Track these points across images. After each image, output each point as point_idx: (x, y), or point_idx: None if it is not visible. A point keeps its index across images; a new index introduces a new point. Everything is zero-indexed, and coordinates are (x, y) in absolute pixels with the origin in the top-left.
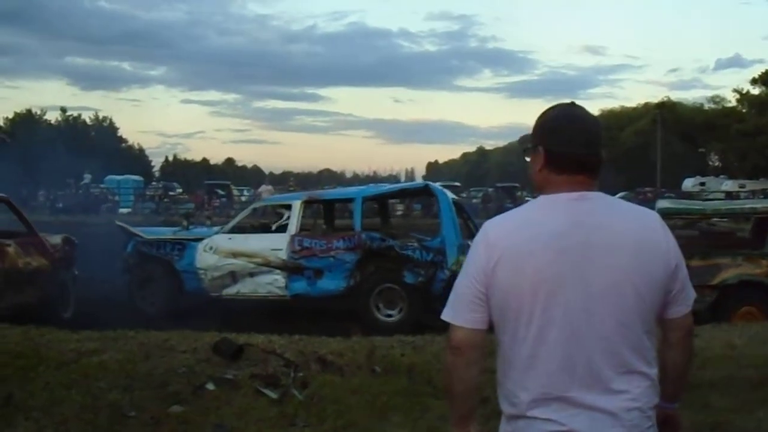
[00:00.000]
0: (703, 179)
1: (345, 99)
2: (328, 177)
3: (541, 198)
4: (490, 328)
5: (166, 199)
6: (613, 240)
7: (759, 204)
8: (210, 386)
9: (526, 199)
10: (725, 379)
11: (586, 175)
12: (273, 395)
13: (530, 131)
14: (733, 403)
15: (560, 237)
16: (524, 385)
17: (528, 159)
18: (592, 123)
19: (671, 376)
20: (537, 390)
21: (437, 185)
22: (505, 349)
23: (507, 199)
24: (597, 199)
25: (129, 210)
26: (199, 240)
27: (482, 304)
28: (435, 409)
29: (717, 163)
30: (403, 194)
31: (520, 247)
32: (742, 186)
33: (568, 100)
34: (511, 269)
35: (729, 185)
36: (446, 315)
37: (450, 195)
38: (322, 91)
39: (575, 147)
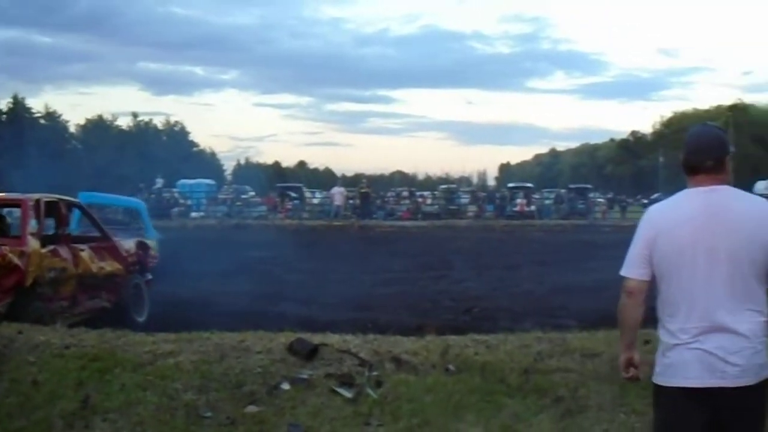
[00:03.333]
0: None
1: (417, 101)
2: (400, 179)
3: (685, 190)
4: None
5: (238, 203)
6: (734, 218)
7: None
8: (285, 386)
9: (599, 199)
10: None
11: (704, 175)
12: (347, 394)
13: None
14: None
15: (693, 218)
16: (677, 317)
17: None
18: (707, 137)
19: None
20: (685, 321)
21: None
22: (663, 294)
23: (579, 200)
24: (720, 191)
25: (202, 214)
26: None
27: (647, 263)
28: (508, 407)
29: None
30: None
31: (671, 225)
32: None
33: (644, 102)
34: (665, 239)
35: None
36: (623, 271)
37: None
38: (395, 94)
39: (694, 155)
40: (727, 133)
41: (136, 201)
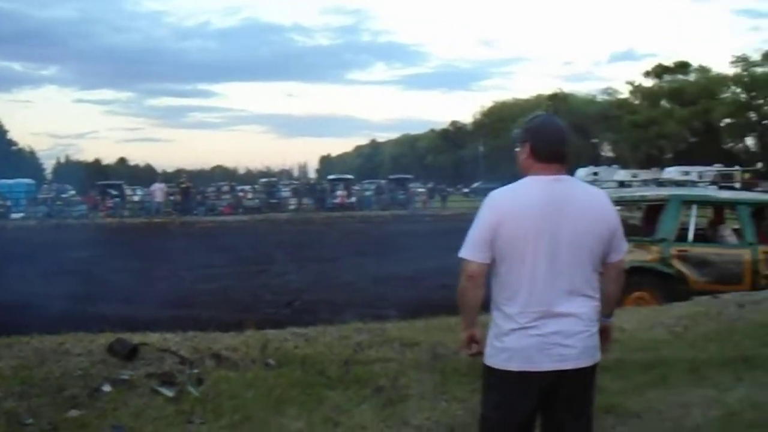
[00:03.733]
0: (596, 169)
1: (238, 94)
2: (222, 173)
3: (529, 177)
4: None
5: (59, 202)
6: (577, 209)
7: (649, 192)
8: (106, 388)
9: (419, 189)
10: (616, 362)
11: (558, 164)
12: (169, 393)
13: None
14: (625, 385)
15: (541, 205)
16: (515, 302)
17: (517, 150)
18: (559, 127)
19: (609, 300)
20: (524, 305)
21: None
22: (502, 277)
23: (399, 191)
24: (566, 181)
25: (22, 214)
26: None
27: (489, 247)
28: (330, 399)
29: (610, 154)
30: None
31: (517, 211)
32: (634, 175)
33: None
34: (510, 225)
35: (622, 175)
36: (463, 253)
37: None
38: (216, 87)
39: (553, 143)
40: None
41: None
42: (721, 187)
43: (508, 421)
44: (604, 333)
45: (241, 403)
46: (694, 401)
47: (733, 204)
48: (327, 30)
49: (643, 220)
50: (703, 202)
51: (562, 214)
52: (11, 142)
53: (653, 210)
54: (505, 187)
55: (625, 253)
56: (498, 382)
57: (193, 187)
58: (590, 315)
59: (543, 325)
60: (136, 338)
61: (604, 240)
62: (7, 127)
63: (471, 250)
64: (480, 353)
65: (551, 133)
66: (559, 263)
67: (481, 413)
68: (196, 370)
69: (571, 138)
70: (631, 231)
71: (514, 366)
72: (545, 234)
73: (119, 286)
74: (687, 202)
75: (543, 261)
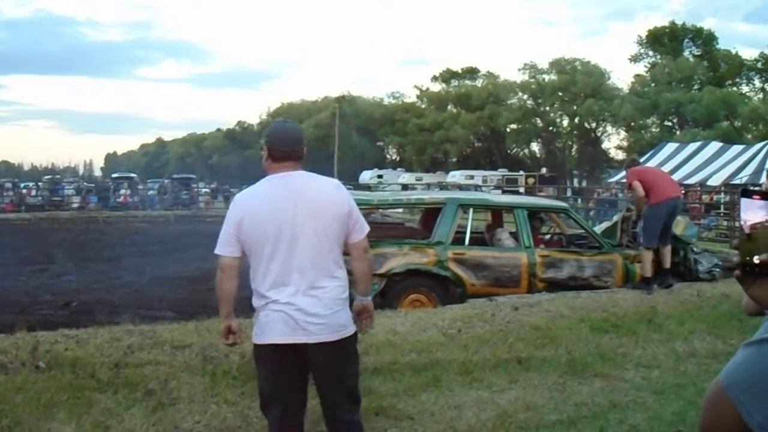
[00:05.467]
0: (381, 172)
1: (26, 88)
2: (6, 169)
3: (268, 177)
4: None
5: None
6: (310, 198)
7: (425, 195)
8: None
9: (203, 190)
10: (389, 365)
11: (292, 162)
12: None
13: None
14: (397, 387)
15: (278, 200)
16: (265, 284)
17: (262, 152)
18: (294, 130)
19: (359, 278)
20: (271, 285)
21: None
22: (254, 266)
23: (183, 191)
24: (298, 176)
25: None
26: None
27: (236, 242)
28: (100, 403)
29: (395, 157)
30: None
31: (255, 207)
32: (419, 179)
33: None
34: (250, 219)
35: (406, 178)
36: (216, 250)
37: None
38: (2, 80)
39: (284, 145)
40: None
41: None
42: (504, 192)
43: (278, 390)
44: (364, 311)
45: (10, 407)
46: (468, 403)
47: (510, 208)
48: (119, 25)
49: (421, 223)
50: (480, 206)
51: (297, 203)
52: None
53: (431, 213)
54: (247, 188)
55: (367, 234)
56: (261, 356)
57: None
58: (332, 293)
59: (289, 303)
60: None
61: (339, 222)
62: None
63: (221, 246)
64: (237, 343)
65: (284, 136)
66: (299, 247)
67: (258, 387)
68: None
69: (304, 139)
70: (408, 234)
71: (266, 339)
72: (283, 223)
73: None
74: (464, 206)
75: (284, 246)
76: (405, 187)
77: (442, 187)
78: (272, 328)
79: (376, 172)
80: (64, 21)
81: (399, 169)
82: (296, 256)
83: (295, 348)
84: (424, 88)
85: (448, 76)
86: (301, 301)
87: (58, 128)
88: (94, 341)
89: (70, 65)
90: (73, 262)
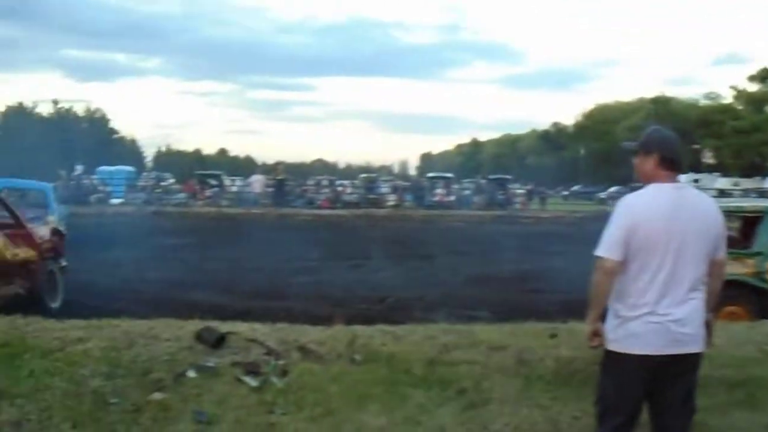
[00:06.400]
0: (696, 176)
1: (340, 89)
2: (321, 167)
3: (656, 185)
4: None
5: (158, 190)
6: (695, 213)
7: (746, 203)
8: (191, 374)
9: (518, 191)
10: (702, 379)
11: (678, 173)
12: (253, 383)
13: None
14: (709, 403)
15: (673, 212)
16: (645, 294)
17: (635, 159)
18: (677, 139)
19: (711, 294)
20: (651, 297)
21: None
22: (634, 274)
23: (499, 191)
24: (687, 190)
25: (121, 200)
26: None
27: (625, 246)
28: (412, 398)
29: (711, 160)
30: None
31: (651, 216)
32: (735, 184)
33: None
34: (644, 227)
35: (722, 183)
36: (601, 251)
37: None
38: (317, 82)
39: (677, 154)
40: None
41: (42, 184)
42: None
43: (624, 401)
44: (708, 326)
45: (324, 396)
46: None
47: None
48: (428, 27)
49: (740, 231)
50: None
51: (685, 218)
52: (113, 131)
53: (750, 222)
54: (636, 194)
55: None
56: (618, 365)
57: (289, 178)
58: (702, 306)
59: (665, 314)
60: (224, 327)
61: (713, 240)
62: (109, 116)
63: (608, 249)
64: (600, 346)
65: (674, 144)
66: (682, 260)
67: (599, 395)
68: (281, 362)
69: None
70: (727, 243)
71: (636, 350)
72: (673, 236)
73: (214, 274)
74: None
75: (670, 259)
76: (722, 192)
77: (761, 193)
78: (646, 340)
79: (692, 176)
80: (375, 24)
81: (715, 173)
82: (679, 270)
83: (658, 359)
84: (740, 89)
85: (766, 75)
86: (678, 312)
87: (372, 128)
88: (410, 338)
89: (382, 67)
90: (388, 258)
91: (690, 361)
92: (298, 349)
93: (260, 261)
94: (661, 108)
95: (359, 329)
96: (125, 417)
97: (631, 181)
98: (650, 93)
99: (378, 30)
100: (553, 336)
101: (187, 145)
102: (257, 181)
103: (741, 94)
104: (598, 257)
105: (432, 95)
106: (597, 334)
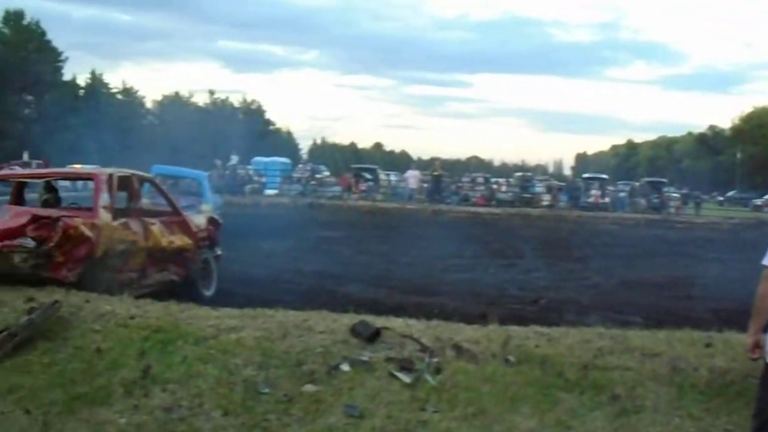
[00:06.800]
0: None
1: (495, 86)
2: (476, 164)
3: None
4: None
5: (313, 182)
6: None
7: None
8: (345, 367)
9: (673, 194)
10: None
11: None
12: (406, 379)
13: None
14: None
15: None
16: None
17: None
18: None
19: None
20: None
21: None
22: None
23: (654, 194)
24: None
25: (275, 191)
26: None
27: None
28: (564, 402)
29: None
30: None
31: None
32: None
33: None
34: None
35: None
36: (767, 261)
37: None
38: (473, 78)
39: None
40: None
41: (197, 172)
42: None
43: None
44: None
45: (477, 396)
46: None
47: None
48: (586, 26)
49: None
50: None
51: None
52: (268, 122)
53: None
54: None
55: None
56: None
57: (445, 175)
58: None
59: None
60: (379, 322)
61: None
62: (265, 107)
63: None
64: (761, 358)
65: None
66: None
67: (758, 408)
68: (435, 359)
69: None
70: None
71: None
72: None
73: (368, 268)
74: None
75: None
76: None
77: None
78: None
79: None
80: (532, 22)
81: None
82: None
83: None
84: None
85: None
86: None
87: (527, 126)
88: (564, 341)
89: (538, 65)
90: (542, 259)
91: None
92: (453, 348)
93: (414, 256)
94: None
95: (513, 330)
96: (277, 407)
97: None
98: None
99: (534, 27)
100: (708, 345)
101: (342, 138)
102: (413, 177)
103: None
104: (764, 266)
105: (588, 94)
106: (758, 345)
